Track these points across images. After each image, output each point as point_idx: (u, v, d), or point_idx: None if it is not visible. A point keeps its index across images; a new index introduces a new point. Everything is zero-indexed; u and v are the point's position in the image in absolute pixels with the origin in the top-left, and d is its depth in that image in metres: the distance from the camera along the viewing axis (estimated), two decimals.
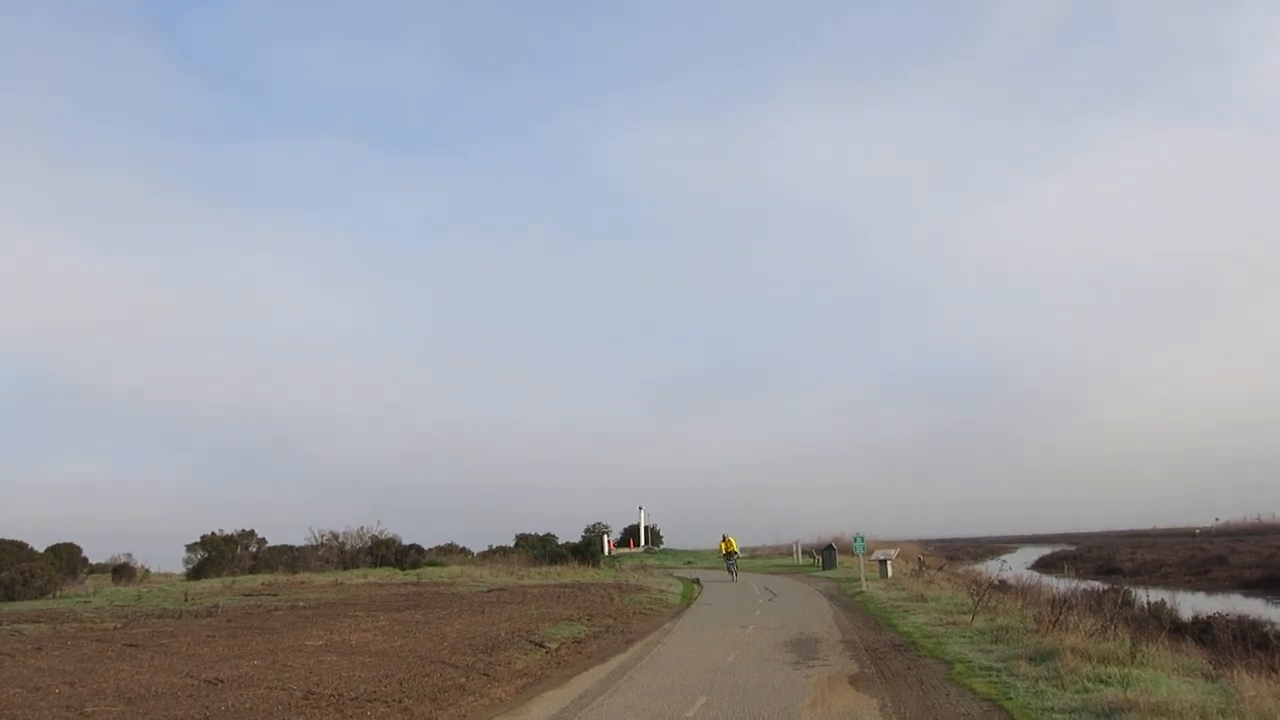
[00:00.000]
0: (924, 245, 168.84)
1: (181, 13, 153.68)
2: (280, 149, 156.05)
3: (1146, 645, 13.98)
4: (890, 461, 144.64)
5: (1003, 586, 31.39)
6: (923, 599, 26.20)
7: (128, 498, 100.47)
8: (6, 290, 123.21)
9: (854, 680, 12.46)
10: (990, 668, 13.11)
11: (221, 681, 12.95)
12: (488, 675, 13.46)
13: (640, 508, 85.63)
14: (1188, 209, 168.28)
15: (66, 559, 55.19)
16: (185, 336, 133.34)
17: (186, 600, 35.14)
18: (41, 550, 55.10)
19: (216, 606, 31.08)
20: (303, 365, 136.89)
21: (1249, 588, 50.93)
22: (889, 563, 38.91)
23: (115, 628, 23.79)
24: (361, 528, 60.53)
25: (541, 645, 17.25)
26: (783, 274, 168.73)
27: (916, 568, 41.78)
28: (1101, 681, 10.97)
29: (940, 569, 43.47)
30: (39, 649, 18.93)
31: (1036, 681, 11.61)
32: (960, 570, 53.59)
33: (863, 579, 33.30)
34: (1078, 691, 10.73)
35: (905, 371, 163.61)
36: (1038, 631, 16.09)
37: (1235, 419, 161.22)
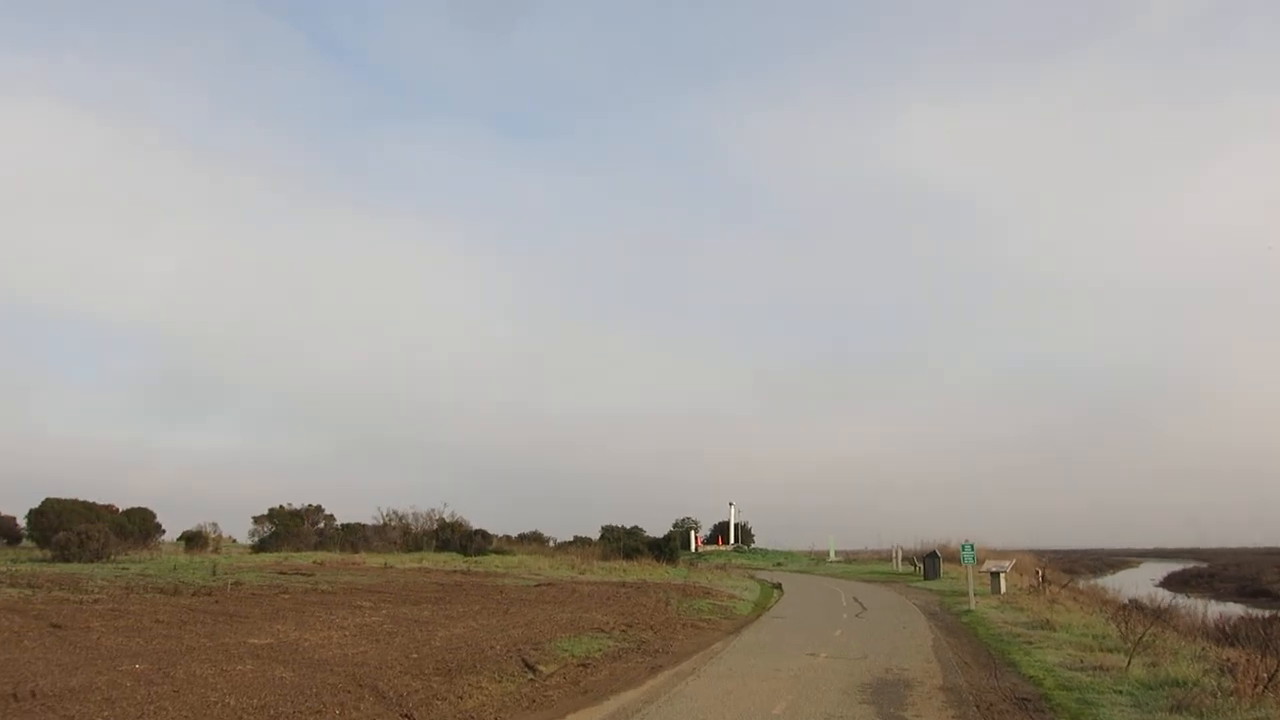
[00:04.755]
0: (1049, 238, 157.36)
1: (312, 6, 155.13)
2: (405, 136, 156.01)
3: None
4: (1001, 465, 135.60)
5: (1140, 609, 25.78)
6: (1049, 625, 20.88)
7: (245, 471, 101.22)
8: (153, 277, 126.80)
9: None
10: None
11: (34, 696, 9.10)
12: (409, 719, 9.21)
13: (731, 504, 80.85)
14: None
15: (139, 524, 54.12)
16: (311, 322, 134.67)
17: (214, 575, 32.34)
18: (123, 511, 54.56)
19: (235, 584, 28.04)
20: (422, 351, 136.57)
21: None
22: (1002, 576, 33.31)
23: (87, 601, 20.71)
24: (431, 510, 57.82)
25: (533, 668, 12.96)
26: (900, 267, 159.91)
27: (1035, 583, 35.93)
28: None
29: (1064, 585, 37.49)
30: None
31: None
32: (1081, 586, 47.19)
33: (971, 594, 27.96)
34: None
35: (1021, 371, 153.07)
36: (1237, 694, 10.93)
37: None
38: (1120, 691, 12.08)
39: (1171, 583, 74.92)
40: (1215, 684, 11.67)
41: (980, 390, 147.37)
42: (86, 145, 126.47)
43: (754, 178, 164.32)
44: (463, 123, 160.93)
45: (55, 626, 15.72)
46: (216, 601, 21.77)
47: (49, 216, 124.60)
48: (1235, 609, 41.15)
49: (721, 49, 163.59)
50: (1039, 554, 64.47)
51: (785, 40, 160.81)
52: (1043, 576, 37.39)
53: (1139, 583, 61.13)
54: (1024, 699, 11.73)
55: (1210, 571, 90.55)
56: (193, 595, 23.30)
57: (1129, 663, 13.98)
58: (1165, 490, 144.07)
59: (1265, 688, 10.76)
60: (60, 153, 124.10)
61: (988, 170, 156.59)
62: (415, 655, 13.74)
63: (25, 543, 50.57)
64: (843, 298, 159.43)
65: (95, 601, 20.71)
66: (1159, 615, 20.66)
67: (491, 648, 14.86)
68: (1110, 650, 16.13)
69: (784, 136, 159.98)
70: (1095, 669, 14.08)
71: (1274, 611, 36.89)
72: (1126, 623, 17.43)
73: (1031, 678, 13.51)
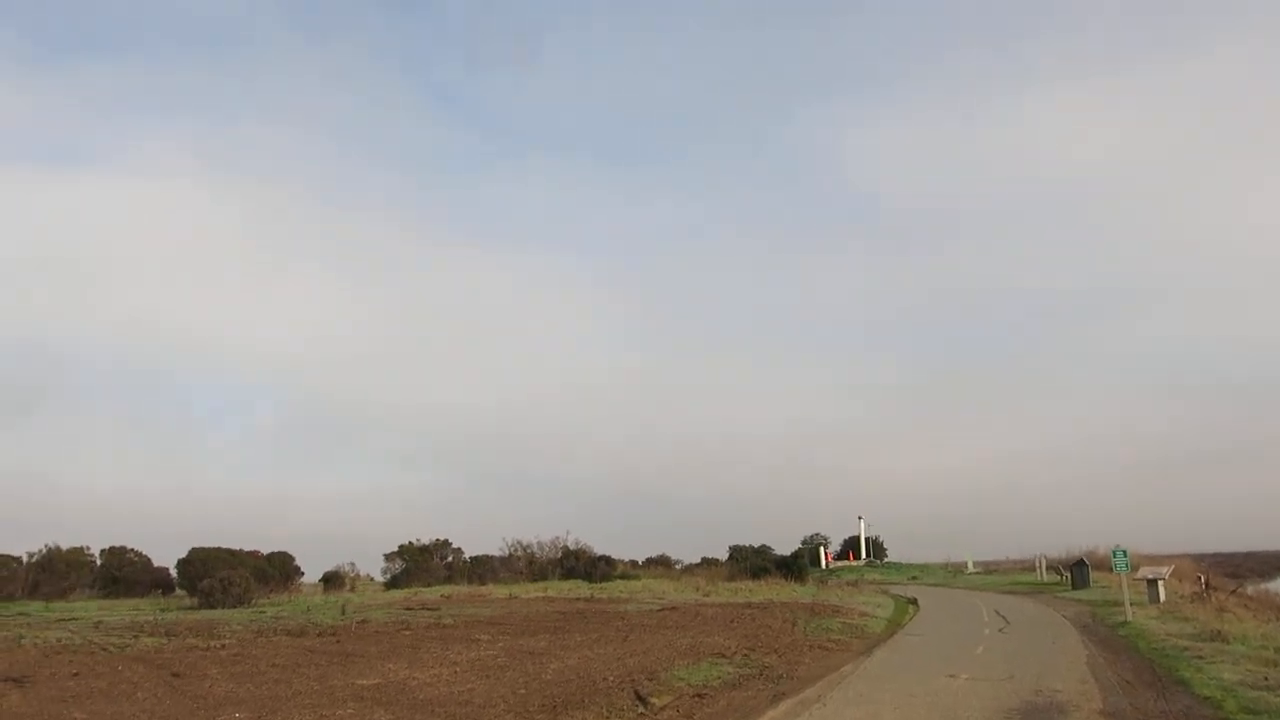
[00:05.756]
0: (1205, 226, 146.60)
1: (419, 57, 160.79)
2: (515, 172, 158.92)
3: None
4: (1151, 464, 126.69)
5: None
6: (1220, 637, 18.84)
7: (380, 511, 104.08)
8: (277, 319, 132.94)
9: None
10: None
11: None
12: None
13: (860, 518, 78.54)
14: None
15: (280, 568, 56.11)
16: (434, 359, 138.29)
17: (342, 614, 32.82)
18: (266, 556, 56.74)
19: (361, 622, 28.26)
20: (543, 382, 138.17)
21: None
22: (1160, 583, 30.69)
23: (214, 648, 20.95)
24: (555, 538, 57.89)
25: (645, 700, 12.18)
26: (1030, 266, 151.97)
27: (1199, 590, 33.02)
28: None
29: (1232, 592, 34.35)
30: (76, 674, 16.05)
31: None
32: (1250, 592, 43.30)
33: (1127, 604, 25.74)
34: None
35: (1168, 359, 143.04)
36: None
37: None
38: None
39: None
40: None
41: (1125, 384, 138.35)
42: (225, 207, 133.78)
43: (871, 188, 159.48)
44: (570, 155, 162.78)
45: (175, 675, 15.82)
46: (338, 641, 21.80)
47: (192, 279, 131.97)
48: None
49: (830, 61, 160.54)
50: (1198, 558, 59.83)
51: (898, 49, 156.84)
52: (1206, 583, 34.39)
53: None
54: None
55: None
56: (317, 636, 23.45)
57: None
58: None
59: None
60: (202, 216, 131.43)
61: (1127, 163, 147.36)
62: (523, 691, 13.16)
63: (178, 591, 53.00)
64: (971, 301, 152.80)
65: (222, 647, 20.95)
66: None
67: (604, 679, 14.17)
68: None
69: (902, 145, 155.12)
70: None
71: None
72: None
73: (1208, 699, 11.92)
